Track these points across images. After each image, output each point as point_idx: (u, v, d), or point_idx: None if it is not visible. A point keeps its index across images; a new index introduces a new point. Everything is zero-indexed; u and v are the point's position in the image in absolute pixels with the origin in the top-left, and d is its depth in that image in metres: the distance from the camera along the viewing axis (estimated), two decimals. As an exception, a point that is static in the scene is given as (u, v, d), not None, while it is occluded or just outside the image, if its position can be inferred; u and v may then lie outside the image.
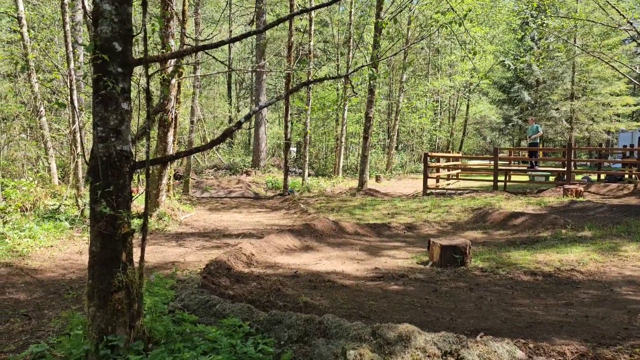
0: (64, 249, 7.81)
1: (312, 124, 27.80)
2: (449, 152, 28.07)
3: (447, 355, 3.41)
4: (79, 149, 12.60)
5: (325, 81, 26.98)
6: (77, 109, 12.75)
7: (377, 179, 25.24)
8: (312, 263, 7.57)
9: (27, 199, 8.42)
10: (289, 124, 18.73)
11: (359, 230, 10.58)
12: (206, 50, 3.90)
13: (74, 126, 12.62)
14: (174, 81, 10.23)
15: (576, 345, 3.56)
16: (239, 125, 3.97)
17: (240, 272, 6.24)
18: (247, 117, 3.94)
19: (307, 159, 20.53)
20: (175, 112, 10.51)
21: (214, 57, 4.45)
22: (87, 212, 9.95)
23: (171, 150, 10.76)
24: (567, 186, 14.57)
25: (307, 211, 13.86)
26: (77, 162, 12.47)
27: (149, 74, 3.57)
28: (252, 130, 31.79)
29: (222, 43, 3.73)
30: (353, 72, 4.88)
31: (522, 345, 3.50)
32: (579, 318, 4.75)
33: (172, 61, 9.85)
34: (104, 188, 3.35)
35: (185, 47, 10.80)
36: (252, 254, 7.33)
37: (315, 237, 9.47)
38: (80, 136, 12.52)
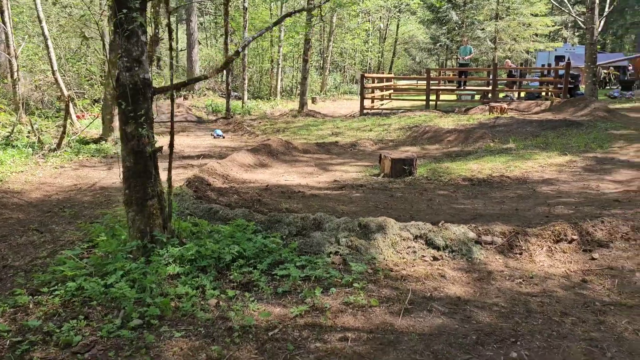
0: (36, 174, 8.08)
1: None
2: (382, 73, 28.95)
3: (418, 238, 4.38)
4: (15, 74, 12.30)
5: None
6: (10, 32, 12.30)
7: (314, 100, 25.84)
8: (275, 178, 8.34)
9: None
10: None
11: (309, 148, 11.37)
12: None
13: (10, 50, 12.23)
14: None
15: (511, 227, 4.63)
16: (237, 54, 4.51)
17: (220, 187, 6.92)
18: (244, 47, 4.49)
19: (246, 81, 20.72)
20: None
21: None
22: (44, 139, 10.05)
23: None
24: (492, 104, 15.94)
25: (255, 133, 14.43)
26: (15, 89, 12.22)
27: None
28: (184, 52, 30.97)
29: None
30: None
31: (473, 229, 4.53)
32: (510, 211, 5.89)
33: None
34: (134, 112, 3.88)
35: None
36: (224, 172, 7.98)
37: (272, 156, 10.18)
38: (17, 63, 12.19)
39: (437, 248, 4.27)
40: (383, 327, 3.12)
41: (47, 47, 11.86)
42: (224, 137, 13.99)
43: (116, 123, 11.17)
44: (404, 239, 4.34)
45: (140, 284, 3.45)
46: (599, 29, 16.90)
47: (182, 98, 23.20)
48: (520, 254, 4.30)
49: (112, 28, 3.92)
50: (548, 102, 16.67)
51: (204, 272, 3.79)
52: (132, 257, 3.81)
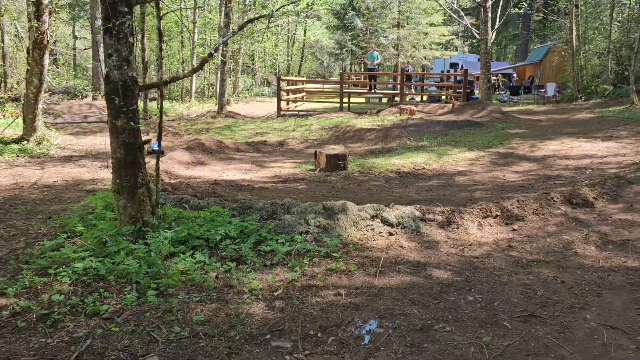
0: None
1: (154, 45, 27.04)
2: (296, 76, 29.74)
3: (374, 217, 5.08)
4: None
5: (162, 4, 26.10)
6: None
7: (227, 102, 25.99)
8: (217, 175, 8.72)
9: None
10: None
11: (239, 147, 11.79)
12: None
13: None
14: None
15: (448, 208, 5.48)
16: (210, 55, 4.96)
17: (171, 182, 7.21)
18: (216, 49, 4.95)
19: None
20: (49, 34, 10.30)
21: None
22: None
23: (46, 72, 10.60)
24: (402, 106, 17.25)
25: (179, 133, 14.52)
26: None
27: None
28: (88, 51, 29.76)
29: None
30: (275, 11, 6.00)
31: (418, 209, 5.32)
32: (439, 196, 6.80)
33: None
34: (124, 107, 4.22)
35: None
36: (166, 169, 8.22)
37: (207, 154, 10.50)
38: None
39: (391, 225, 4.99)
40: (366, 284, 3.78)
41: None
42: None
43: (38, 123, 10.89)
44: (362, 219, 5.03)
45: (146, 261, 3.83)
46: (492, 40, 18.85)
47: (92, 98, 22.43)
48: (458, 228, 5.15)
49: (102, 30, 4.22)
50: (450, 105, 18.33)
51: (197, 250, 4.22)
52: (131, 239, 4.15)
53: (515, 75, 31.10)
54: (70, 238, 4.72)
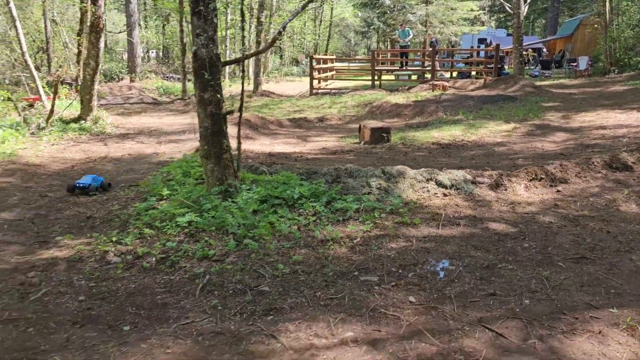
0: (41, 150, 8.52)
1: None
2: (325, 55, 30.05)
3: (429, 180, 5.57)
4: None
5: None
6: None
7: (260, 82, 26.50)
8: (267, 148, 9.26)
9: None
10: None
11: (282, 123, 12.33)
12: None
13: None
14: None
15: (496, 172, 5.93)
16: (279, 33, 5.45)
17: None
18: (284, 27, 5.42)
19: (197, 63, 21.08)
20: (105, 18, 10.90)
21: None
22: (29, 120, 10.31)
23: (101, 54, 11.24)
24: (435, 82, 17.53)
25: (220, 111, 15.10)
26: None
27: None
28: (116, 35, 30.50)
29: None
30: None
31: (468, 172, 5.78)
32: (482, 164, 7.23)
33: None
34: (210, 81, 4.76)
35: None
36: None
37: (252, 129, 11.05)
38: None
39: (445, 187, 5.48)
40: (432, 234, 4.29)
41: (15, 27, 11.94)
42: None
43: (94, 103, 11.56)
44: (418, 181, 5.52)
45: (238, 215, 4.39)
46: (524, 14, 18.88)
47: (129, 80, 23.17)
48: (506, 189, 5.60)
49: (191, 12, 4.73)
50: (482, 80, 18.51)
51: (278, 208, 4.77)
52: (220, 198, 4.72)
53: (545, 49, 30.85)
54: (158, 201, 5.32)
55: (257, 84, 19.55)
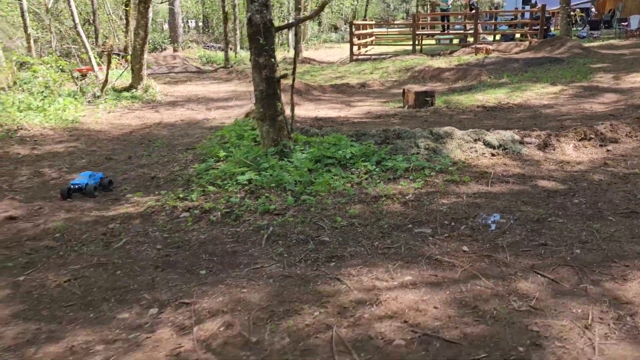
0: (100, 117, 8.96)
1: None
2: (364, 20, 29.72)
3: (476, 140, 5.66)
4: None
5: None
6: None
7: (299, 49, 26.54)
8: (312, 113, 9.46)
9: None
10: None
11: (325, 89, 12.46)
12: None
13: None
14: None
15: (544, 132, 5.96)
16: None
17: (279, 119, 8.00)
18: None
19: (238, 31, 21.31)
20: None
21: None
22: (85, 89, 10.78)
23: (150, 24, 11.55)
24: (478, 45, 17.20)
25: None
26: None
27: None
28: (160, 5, 30.82)
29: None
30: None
31: (516, 133, 5.84)
32: (529, 126, 7.23)
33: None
34: (265, 46, 4.95)
35: None
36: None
37: (297, 95, 11.21)
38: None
39: (493, 147, 5.56)
40: (481, 191, 4.43)
41: (68, 2, 12.36)
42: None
43: (144, 72, 11.94)
44: (466, 142, 5.62)
45: (295, 173, 4.63)
46: (572, -28, 18.16)
47: (172, 50, 23.60)
48: (554, 149, 5.64)
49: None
50: (526, 43, 18.04)
51: (330, 167, 4.99)
52: (276, 158, 4.97)
53: (593, 9, 29.58)
54: (216, 162, 5.62)
55: (297, 51, 19.61)
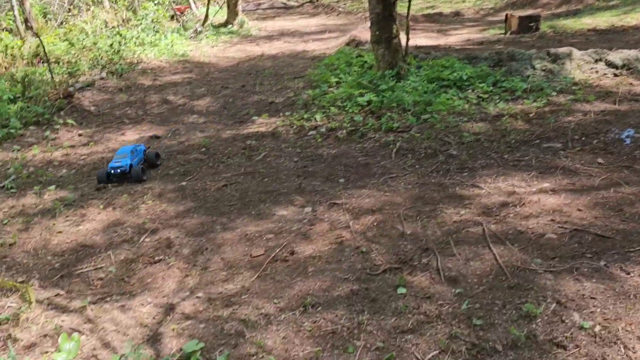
0: (205, 50, 9.36)
1: None
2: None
3: (597, 60, 5.45)
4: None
5: None
6: None
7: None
8: (410, 42, 9.32)
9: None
10: None
11: (417, 18, 12.15)
12: None
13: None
14: None
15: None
16: None
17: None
18: None
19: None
20: None
21: None
22: (187, 25, 11.20)
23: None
24: (582, -33, 15.89)
25: (352, 12, 15.15)
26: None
27: None
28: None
29: None
30: None
31: (640, 52, 5.54)
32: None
33: None
34: (382, -33, 4.95)
35: None
36: (365, 38, 9.03)
37: (391, 27, 11.07)
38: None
39: (616, 67, 5.34)
40: (609, 109, 4.34)
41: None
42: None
43: (239, 8, 12.17)
44: (586, 62, 5.43)
45: (414, 94, 4.74)
46: None
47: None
48: (684, 68, 5.33)
49: None
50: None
51: (447, 88, 5.04)
52: (394, 80, 5.08)
53: None
54: (328, 88, 5.80)
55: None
